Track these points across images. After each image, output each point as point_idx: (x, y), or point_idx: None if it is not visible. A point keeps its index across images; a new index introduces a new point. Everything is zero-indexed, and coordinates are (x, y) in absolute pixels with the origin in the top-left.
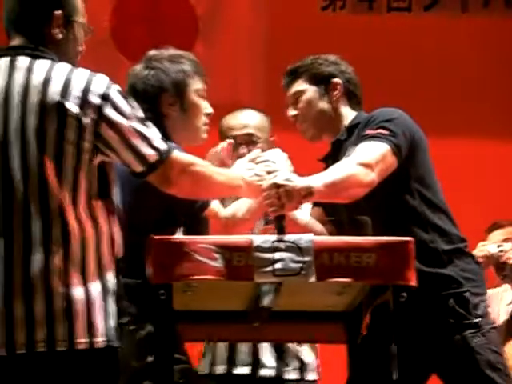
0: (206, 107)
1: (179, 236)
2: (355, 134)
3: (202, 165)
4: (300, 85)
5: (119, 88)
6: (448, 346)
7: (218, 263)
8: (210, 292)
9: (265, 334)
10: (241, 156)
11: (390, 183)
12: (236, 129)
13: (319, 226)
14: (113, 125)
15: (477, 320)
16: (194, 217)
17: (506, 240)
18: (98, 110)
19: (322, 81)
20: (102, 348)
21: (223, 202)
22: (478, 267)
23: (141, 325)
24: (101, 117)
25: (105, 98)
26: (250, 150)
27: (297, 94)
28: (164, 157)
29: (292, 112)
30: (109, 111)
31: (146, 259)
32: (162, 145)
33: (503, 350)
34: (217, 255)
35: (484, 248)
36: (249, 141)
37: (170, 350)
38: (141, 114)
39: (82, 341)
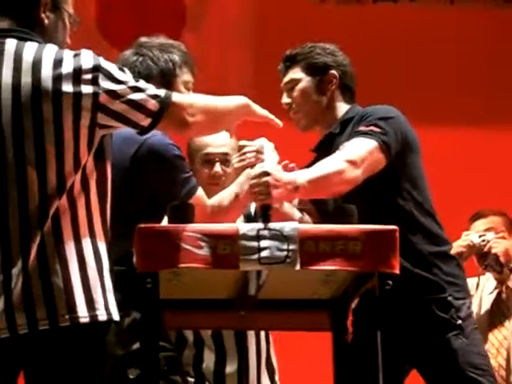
0: None
1: (165, 224)
2: (349, 128)
3: (201, 99)
4: (296, 73)
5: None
6: (431, 348)
7: (204, 251)
8: (195, 280)
9: (251, 322)
10: (215, 174)
11: (380, 183)
12: (214, 146)
13: (308, 219)
14: (111, 93)
15: (459, 322)
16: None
17: (488, 230)
18: (93, 83)
19: (318, 72)
20: (104, 321)
21: (207, 194)
22: (461, 271)
23: (125, 312)
24: (98, 89)
25: (96, 69)
26: (223, 170)
27: (292, 82)
28: (166, 101)
29: (286, 100)
30: (104, 81)
31: (133, 247)
32: (160, 91)
33: (486, 350)
34: (202, 243)
35: (467, 238)
36: (223, 160)
37: (156, 337)
38: (129, 73)
39: (84, 315)
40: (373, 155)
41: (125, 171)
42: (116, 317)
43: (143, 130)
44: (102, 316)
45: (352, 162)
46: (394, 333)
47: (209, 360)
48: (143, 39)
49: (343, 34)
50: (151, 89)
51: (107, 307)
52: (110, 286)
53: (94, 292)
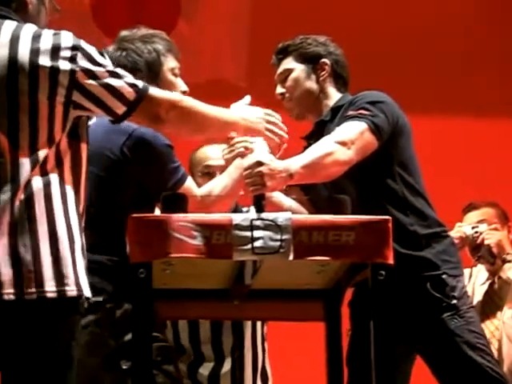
0: (182, 86)
1: (158, 214)
2: (339, 114)
3: (190, 100)
4: (289, 63)
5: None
6: (428, 330)
7: (197, 241)
8: (189, 270)
9: (244, 312)
10: None
11: (372, 166)
12: (214, 158)
13: (303, 210)
14: (88, 72)
15: (454, 302)
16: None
17: (481, 221)
18: (71, 60)
19: (310, 60)
20: (73, 297)
21: (197, 182)
22: (455, 249)
23: (118, 303)
24: (76, 67)
25: (76, 48)
26: None
27: (285, 72)
28: (143, 92)
29: (279, 90)
30: (82, 60)
31: (126, 237)
32: (138, 82)
33: (483, 329)
34: (196, 233)
35: (460, 229)
36: (223, 172)
37: (148, 328)
38: (109, 59)
39: (51, 289)
40: (363, 136)
41: (114, 161)
42: (87, 293)
43: (117, 118)
44: (71, 291)
45: (342, 143)
46: (391, 316)
47: (206, 368)
48: (124, 33)
49: (339, 24)
50: (129, 77)
51: (77, 282)
52: (82, 263)
53: (64, 267)
